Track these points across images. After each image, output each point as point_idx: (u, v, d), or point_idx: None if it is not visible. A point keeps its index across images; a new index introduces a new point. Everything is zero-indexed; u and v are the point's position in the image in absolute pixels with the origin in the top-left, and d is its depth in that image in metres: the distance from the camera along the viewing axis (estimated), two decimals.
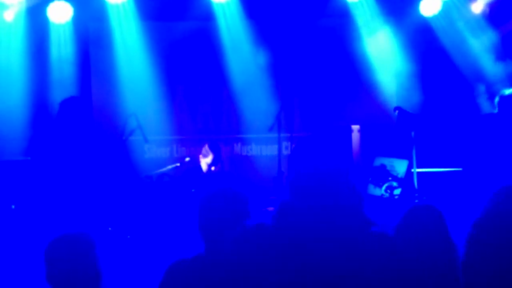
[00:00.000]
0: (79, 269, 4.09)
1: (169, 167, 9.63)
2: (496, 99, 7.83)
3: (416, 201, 8.13)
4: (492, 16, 10.75)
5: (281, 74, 11.24)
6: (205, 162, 9.29)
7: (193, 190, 9.03)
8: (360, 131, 10.36)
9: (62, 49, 10.79)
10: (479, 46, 10.74)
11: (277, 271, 3.46)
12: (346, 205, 3.64)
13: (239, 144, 11.26)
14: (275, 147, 10.26)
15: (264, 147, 11.05)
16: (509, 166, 7.78)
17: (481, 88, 10.59)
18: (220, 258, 3.79)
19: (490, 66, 10.33)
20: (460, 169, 9.03)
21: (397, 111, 8.51)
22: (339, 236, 3.54)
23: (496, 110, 7.89)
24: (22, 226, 8.45)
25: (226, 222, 4.18)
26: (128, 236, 8.69)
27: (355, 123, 10.44)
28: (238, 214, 4.27)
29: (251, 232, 3.63)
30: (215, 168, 9.24)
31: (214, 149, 9.24)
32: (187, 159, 9.74)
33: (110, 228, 8.63)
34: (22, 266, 7.69)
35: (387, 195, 8.77)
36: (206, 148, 9.31)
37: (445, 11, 10.75)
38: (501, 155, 7.88)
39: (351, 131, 10.23)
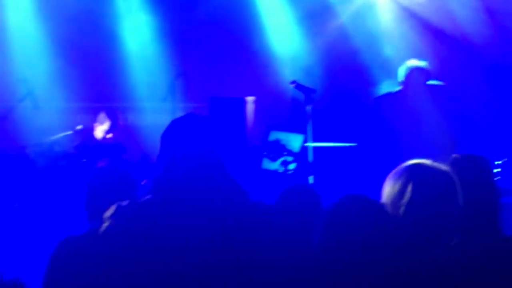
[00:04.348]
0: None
1: (60, 135, 9.41)
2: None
3: (311, 176, 8.13)
4: None
5: (176, 41, 11.07)
6: (101, 129, 9.19)
7: (84, 160, 8.87)
8: (255, 102, 10.30)
9: None
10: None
11: (152, 246, 3.42)
12: (218, 181, 3.61)
13: (133, 113, 11.05)
14: (170, 117, 10.12)
15: (158, 117, 10.86)
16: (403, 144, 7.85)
17: (379, 75, 10.63)
18: (105, 234, 3.73)
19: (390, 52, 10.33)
20: (354, 144, 9.09)
21: (293, 85, 8.44)
22: (213, 210, 3.52)
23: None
24: None
25: (112, 201, 4.16)
26: (16, 204, 8.51)
27: (250, 95, 10.37)
28: (124, 193, 4.26)
29: (127, 207, 3.59)
30: (111, 136, 9.15)
31: (111, 117, 9.17)
32: (79, 127, 9.53)
33: None
34: None
35: (282, 169, 8.77)
36: (103, 115, 9.22)
37: None
38: (396, 133, 7.95)
39: (245, 102, 10.17)
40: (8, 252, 7.44)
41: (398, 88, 7.89)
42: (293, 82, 8.46)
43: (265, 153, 9.11)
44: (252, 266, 3.51)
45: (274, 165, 8.91)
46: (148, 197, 3.63)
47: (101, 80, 10.97)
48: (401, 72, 7.81)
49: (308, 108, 8.20)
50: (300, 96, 8.54)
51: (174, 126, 3.66)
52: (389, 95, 8.01)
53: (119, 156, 9.09)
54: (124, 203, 3.60)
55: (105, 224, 3.57)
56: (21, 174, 8.73)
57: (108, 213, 3.61)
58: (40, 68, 10.55)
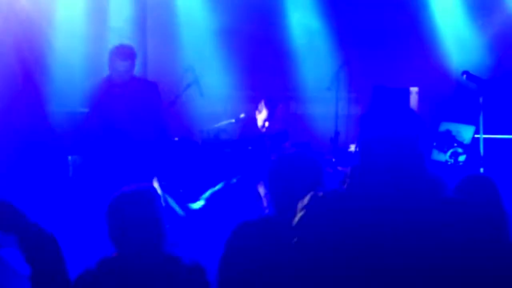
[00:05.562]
0: (143, 223, 3.97)
1: (224, 122, 9.53)
2: None
3: (481, 168, 7.95)
4: None
5: (340, 32, 11.03)
6: (260, 118, 9.24)
7: (250, 148, 8.94)
8: (418, 93, 10.14)
9: None
10: None
11: (349, 237, 3.32)
12: (417, 172, 3.50)
13: (295, 102, 11.09)
14: (332, 106, 10.09)
15: (320, 106, 10.86)
16: None
17: None
18: (290, 222, 3.66)
19: None
20: None
21: (465, 75, 8.32)
22: (413, 202, 3.41)
23: None
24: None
25: (300, 189, 4.08)
26: (181, 190, 8.66)
27: (413, 85, 10.21)
28: (312, 181, 4.17)
29: (324, 197, 3.49)
30: (268, 124, 9.18)
31: (269, 105, 9.19)
32: (242, 115, 9.63)
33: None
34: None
35: (451, 161, 8.60)
36: (261, 103, 9.26)
37: None
38: None
39: (409, 93, 10.03)
40: (181, 237, 7.55)
41: None
42: (465, 72, 8.37)
43: (434, 143, 8.96)
44: (449, 262, 3.40)
45: (444, 157, 8.75)
46: (344, 186, 3.56)
47: (265, 69, 11.04)
48: None
49: (480, 99, 8.07)
50: (472, 86, 8.39)
51: (376, 113, 3.58)
52: None
53: (282, 145, 9.12)
54: (320, 193, 3.54)
55: (300, 213, 3.53)
56: (188, 160, 8.88)
57: (303, 202, 3.55)
58: (206, 56, 10.70)
